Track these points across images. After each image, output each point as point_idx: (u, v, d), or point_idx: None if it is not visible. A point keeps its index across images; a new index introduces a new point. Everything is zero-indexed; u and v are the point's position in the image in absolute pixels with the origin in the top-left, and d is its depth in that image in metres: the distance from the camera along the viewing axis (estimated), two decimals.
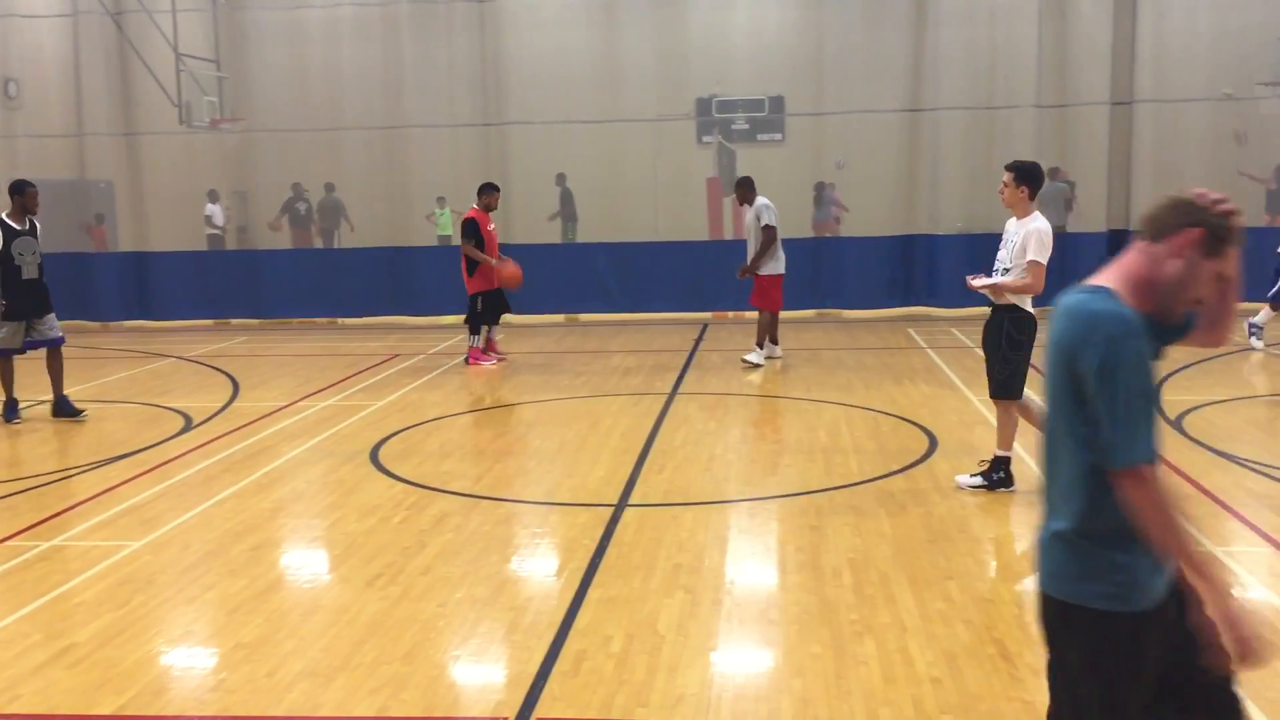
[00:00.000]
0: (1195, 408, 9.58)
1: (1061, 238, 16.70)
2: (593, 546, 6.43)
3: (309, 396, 11.41)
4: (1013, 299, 7.11)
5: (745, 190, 12.72)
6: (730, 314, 17.04)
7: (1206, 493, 7.08)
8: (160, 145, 18.25)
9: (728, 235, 17.51)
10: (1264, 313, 12.48)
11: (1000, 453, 7.33)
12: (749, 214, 12.67)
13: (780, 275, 12.64)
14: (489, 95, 17.53)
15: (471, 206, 13.01)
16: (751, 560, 6.26)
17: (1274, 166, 16.88)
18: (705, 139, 17.90)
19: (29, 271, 10.09)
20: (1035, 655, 4.81)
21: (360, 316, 17.91)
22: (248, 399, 11.25)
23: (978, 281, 7.17)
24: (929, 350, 13.51)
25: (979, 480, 7.34)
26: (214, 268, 18.17)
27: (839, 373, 12.14)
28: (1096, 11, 16.40)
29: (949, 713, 4.34)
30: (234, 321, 18.19)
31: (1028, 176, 7.11)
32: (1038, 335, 6.91)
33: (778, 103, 17.56)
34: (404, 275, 17.72)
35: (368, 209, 18.30)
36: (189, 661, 5.09)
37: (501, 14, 17.46)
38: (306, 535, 7.00)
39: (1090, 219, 16.76)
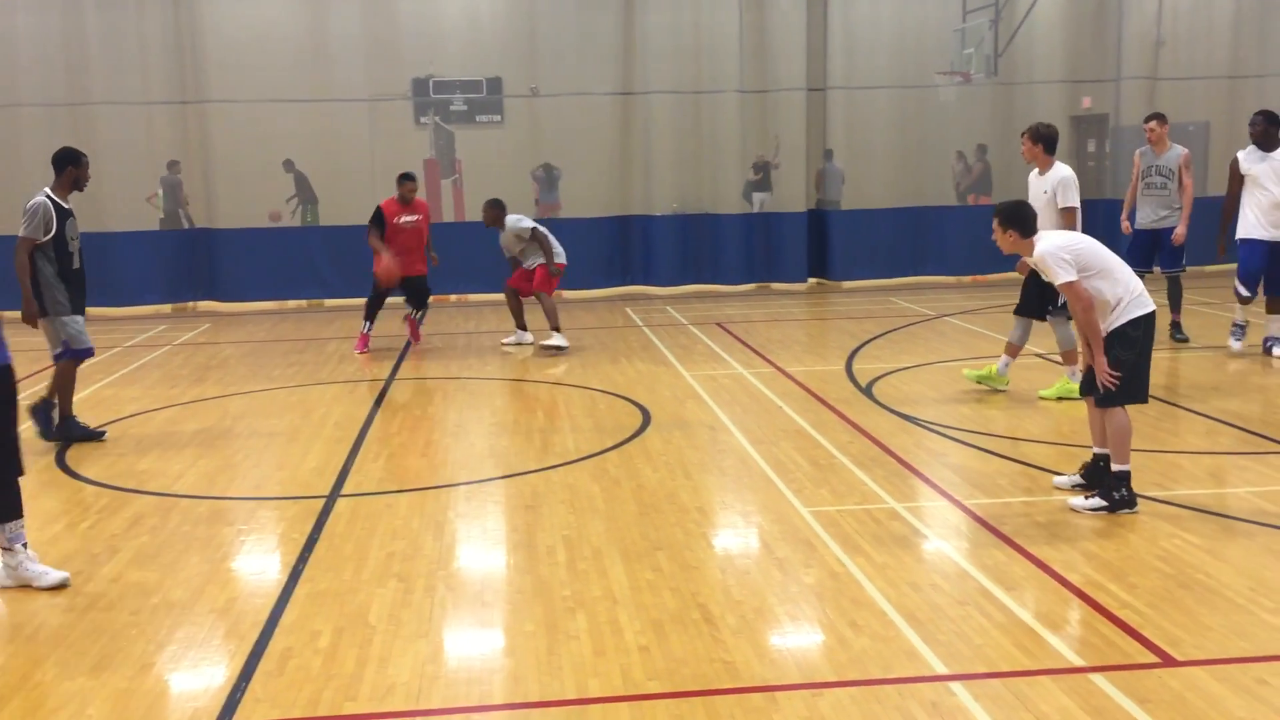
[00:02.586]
0: (882, 375, 10.30)
1: (766, 218, 17.66)
2: (302, 540, 6.23)
3: None
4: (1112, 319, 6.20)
5: (492, 213, 12.39)
6: (452, 297, 16.88)
7: (891, 453, 7.62)
8: None
9: (446, 218, 17.29)
10: None
11: (1117, 467, 6.27)
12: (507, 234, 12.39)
13: (558, 265, 12.47)
14: (186, 71, 16.50)
15: (391, 196, 12.51)
16: (467, 544, 6.24)
17: (974, 147, 18.09)
18: (422, 120, 17.56)
19: (78, 259, 8.42)
20: (736, 617, 5.05)
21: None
22: None
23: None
24: (645, 329, 13.86)
25: (1098, 501, 6.29)
26: None
27: (558, 353, 12.26)
28: (791, 1, 17.24)
29: (655, 679, 4.48)
30: None
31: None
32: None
33: (495, 84, 17.44)
34: (94, 263, 16.42)
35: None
36: None
37: None
38: None
39: (791, 200, 17.62)
